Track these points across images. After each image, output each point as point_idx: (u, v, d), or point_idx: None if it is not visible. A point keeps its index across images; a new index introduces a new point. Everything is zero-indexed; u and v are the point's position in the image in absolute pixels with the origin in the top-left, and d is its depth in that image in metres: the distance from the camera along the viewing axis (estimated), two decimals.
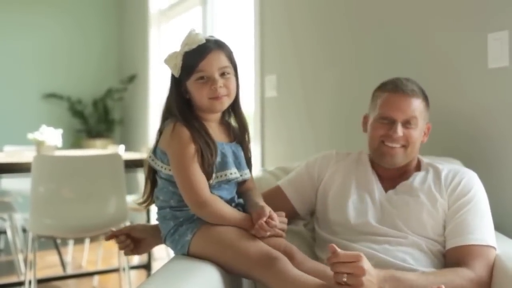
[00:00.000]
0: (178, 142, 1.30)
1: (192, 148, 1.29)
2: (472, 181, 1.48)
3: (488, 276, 1.32)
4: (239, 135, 1.44)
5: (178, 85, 1.36)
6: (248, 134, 1.46)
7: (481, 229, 1.38)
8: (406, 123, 1.48)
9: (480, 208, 1.43)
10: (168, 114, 1.37)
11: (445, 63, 1.89)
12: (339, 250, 1.13)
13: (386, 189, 1.53)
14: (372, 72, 2.23)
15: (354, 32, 2.34)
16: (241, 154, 1.42)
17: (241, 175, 1.38)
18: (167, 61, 1.35)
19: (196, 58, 1.31)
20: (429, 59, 1.95)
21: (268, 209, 1.30)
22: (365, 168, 1.59)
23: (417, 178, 1.51)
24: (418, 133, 1.50)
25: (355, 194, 1.53)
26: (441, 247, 1.42)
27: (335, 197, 1.55)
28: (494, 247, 1.37)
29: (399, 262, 1.35)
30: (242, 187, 1.44)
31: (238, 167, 1.38)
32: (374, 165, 1.59)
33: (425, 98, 1.53)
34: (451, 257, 1.38)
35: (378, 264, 1.32)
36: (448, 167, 1.53)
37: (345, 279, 1.11)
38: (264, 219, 1.26)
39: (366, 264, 1.12)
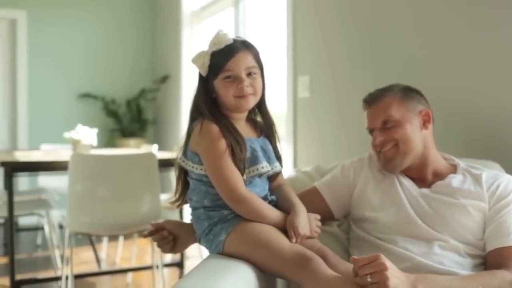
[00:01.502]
0: (208, 138, 1.31)
1: (223, 143, 1.31)
2: (511, 183, 1.46)
3: None
4: (266, 130, 1.46)
5: (205, 84, 1.39)
6: (276, 129, 1.47)
7: None
8: (384, 125, 1.51)
9: None
10: (196, 113, 1.40)
11: (482, 66, 1.86)
12: (357, 257, 1.14)
13: (419, 187, 1.52)
14: (405, 74, 2.20)
15: (388, 33, 2.33)
16: (269, 147, 1.43)
17: (271, 168, 1.40)
18: (195, 60, 1.38)
19: (224, 57, 1.34)
20: (466, 62, 1.92)
21: (294, 226, 1.31)
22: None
23: (454, 180, 1.49)
24: (403, 129, 1.49)
25: (391, 193, 1.52)
26: (480, 251, 1.40)
27: (372, 196, 1.55)
28: None
29: (436, 265, 1.34)
30: (273, 183, 1.46)
31: (268, 160, 1.40)
32: (403, 171, 1.57)
33: (400, 92, 1.54)
34: (491, 260, 1.36)
35: (414, 266, 1.31)
36: (487, 171, 1.50)
37: (369, 279, 1.11)
38: (293, 240, 1.29)
39: (387, 261, 1.12)
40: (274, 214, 1.34)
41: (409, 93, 1.55)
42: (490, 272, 1.30)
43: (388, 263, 1.12)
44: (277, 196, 1.44)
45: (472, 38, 1.90)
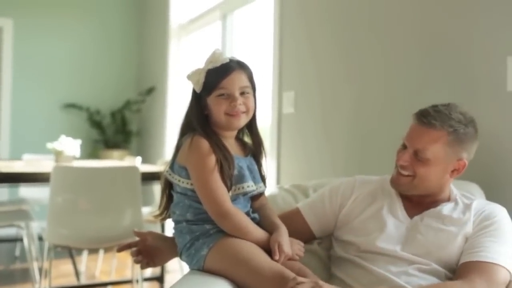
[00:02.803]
0: (197, 153, 1.32)
1: (212, 158, 1.32)
2: (498, 211, 1.45)
3: None
4: (254, 150, 1.47)
5: (198, 100, 1.40)
6: (264, 150, 1.49)
7: (494, 249, 1.34)
8: (416, 154, 1.45)
9: (500, 234, 1.38)
10: (187, 128, 1.41)
11: (463, 85, 1.89)
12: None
13: (411, 215, 1.50)
14: (390, 91, 2.23)
15: (373, 50, 2.35)
16: (255, 168, 1.45)
17: (256, 188, 1.41)
18: (190, 76, 1.40)
19: (219, 76, 1.36)
20: (447, 80, 1.95)
21: (279, 244, 1.32)
22: (389, 192, 1.57)
23: (445, 207, 1.48)
24: (427, 169, 1.43)
25: (378, 217, 1.51)
26: None
27: (358, 221, 1.54)
28: (506, 268, 1.31)
29: None
30: (255, 203, 1.47)
31: (254, 180, 1.41)
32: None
33: (456, 134, 1.42)
34: (457, 274, 1.35)
35: None
36: (478, 200, 1.51)
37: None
38: (277, 257, 1.30)
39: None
40: (258, 231, 1.35)
41: (463, 137, 1.44)
42: (442, 283, 1.32)
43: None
44: (260, 215, 1.45)
45: (454, 61, 1.93)
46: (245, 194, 1.38)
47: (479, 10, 1.83)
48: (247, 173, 1.39)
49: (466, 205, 1.48)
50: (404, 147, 1.49)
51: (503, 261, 1.32)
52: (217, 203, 1.31)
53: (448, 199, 1.52)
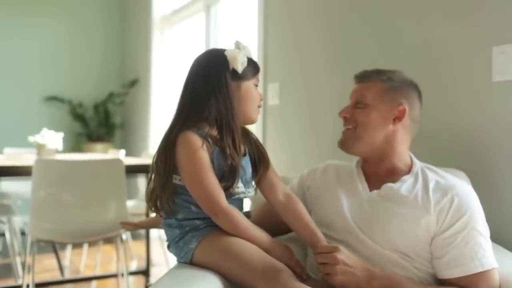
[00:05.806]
0: (188, 149, 1.26)
1: (204, 154, 1.26)
2: (466, 201, 1.34)
3: None
4: (252, 146, 1.42)
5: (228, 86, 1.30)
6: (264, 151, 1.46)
7: (481, 253, 1.29)
8: (355, 105, 1.49)
9: (478, 231, 1.31)
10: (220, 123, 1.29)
11: (449, 75, 1.89)
12: (321, 244, 1.25)
13: (371, 188, 1.45)
14: None
15: (358, 41, 2.35)
16: (249, 170, 1.38)
17: (243, 193, 1.35)
18: (236, 55, 1.32)
19: (256, 67, 1.38)
20: (433, 71, 1.95)
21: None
22: (351, 169, 1.54)
23: (404, 185, 1.40)
24: (367, 115, 1.44)
25: (337, 193, 1.48)
26: (420, 265, 1.34)
27: (318, 198, 1.53)
28: (495, 267, 1.30)
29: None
30: (289, 215, 1.39)
31: (245, 183, 1.35)
32: (363, 164, 1.53)
33: (391, 83, 1.47)
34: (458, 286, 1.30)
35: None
36: (437, 178, 1.41)
37: (322, 269, 1.19)
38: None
39: (342, 255, 1.19)
40: (256, 231, 1.30)
41: (399, 84, 1.48)
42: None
43: (341, 256, 1.18)
44: (296, 225, 1.38)
45: (440, 51, 1.93)
46: (232, 195, 1.31)
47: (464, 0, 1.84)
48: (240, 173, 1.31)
49: (424, 183, 1.40)
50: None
51: (493, 262, 1.30)
52: (209, 201, 1.25)
53: (409, 172, 1.45)
